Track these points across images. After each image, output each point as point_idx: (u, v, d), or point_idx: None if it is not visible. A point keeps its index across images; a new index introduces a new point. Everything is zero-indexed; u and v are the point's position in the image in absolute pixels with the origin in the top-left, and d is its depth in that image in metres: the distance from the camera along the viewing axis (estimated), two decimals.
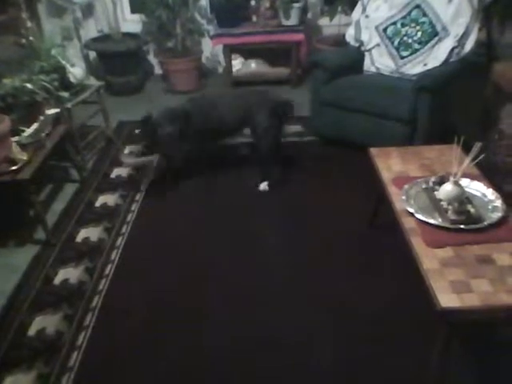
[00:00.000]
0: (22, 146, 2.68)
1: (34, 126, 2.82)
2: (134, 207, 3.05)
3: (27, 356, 2.08)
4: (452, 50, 3.30)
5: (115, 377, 2.01)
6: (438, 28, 3.35)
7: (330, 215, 2.88)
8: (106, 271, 2.55)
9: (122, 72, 4.61)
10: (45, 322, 2.25)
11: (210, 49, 4.95)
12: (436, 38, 3.37)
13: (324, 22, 4.80)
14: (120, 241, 2.77)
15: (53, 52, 3.31)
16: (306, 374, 1.96)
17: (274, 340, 2.11)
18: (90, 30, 4.87)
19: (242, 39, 4.52)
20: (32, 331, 2.20)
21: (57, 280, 2.50)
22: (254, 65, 4.90)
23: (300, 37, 4.48)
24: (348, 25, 3.85)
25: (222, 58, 4.84)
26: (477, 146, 1.99)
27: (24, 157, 2.62)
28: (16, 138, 2.69)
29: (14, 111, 2.78)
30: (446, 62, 3.32)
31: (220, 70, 5.10)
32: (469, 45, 3.31)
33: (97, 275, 2.52)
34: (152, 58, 5.09)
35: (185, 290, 2.41)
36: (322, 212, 2.92)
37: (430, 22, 3.38)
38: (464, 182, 2.05)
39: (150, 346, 2.12)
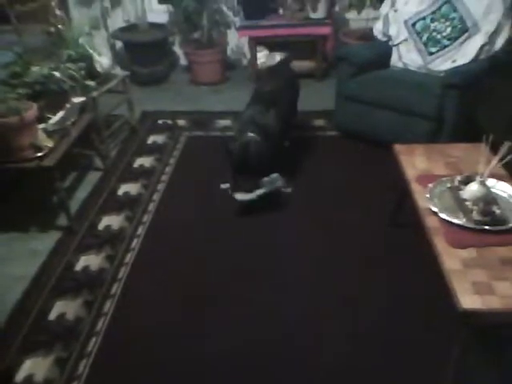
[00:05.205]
0: (48, 133, 2.71)
1: (60, 113, 2.85)
2: (156, 197, 3.07)
3: (47, 340, 2.12)
4: (482, 47, 3.23)
5: (132, 363, 2.03)
6: (469, 24, 3.27)
7: (350, 211, 2.85)
8: (127, 259, 2.58)
9: (147, 62, 4.63)
10: (65, 308, 2.29)
11: (236, 41, 4.93)
12: (466, 34, 3.29)
13: (351, 15, 4.72)
14: (141, 230, 2.79)
15: (80, 41, 3.34)
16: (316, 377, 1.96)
17: (284, 337, 2.11)
18: (117, 20, 4.89)
19: (268, 32, 4.48)
20: (52, 316, 2.25)
21: (78, 266, 2.54)
22: (278, 57, 4.86)
23: (327, 30, 4.43)
24: (376, 19, 3.79)
25: (247, 50, 4.83)
26: (505, 145, 1.95)
27: (49, 144, 2.65)
28: (42, 125, 2.72)
29: (42, 99, 2.82)
30: (475, 59, 3.25)
31: (244, 62, 5.08)
32: (499, 42, 3.23)
33: (117, 263, 2.55)
34: (177, 49, 5.09)
35: (204, 279, 2.42)
36: (341, 208, 2.89)
37: (461, 18, 3.31)
38: (490, 182, 2.01)
39: (166, 334, 2.14)
